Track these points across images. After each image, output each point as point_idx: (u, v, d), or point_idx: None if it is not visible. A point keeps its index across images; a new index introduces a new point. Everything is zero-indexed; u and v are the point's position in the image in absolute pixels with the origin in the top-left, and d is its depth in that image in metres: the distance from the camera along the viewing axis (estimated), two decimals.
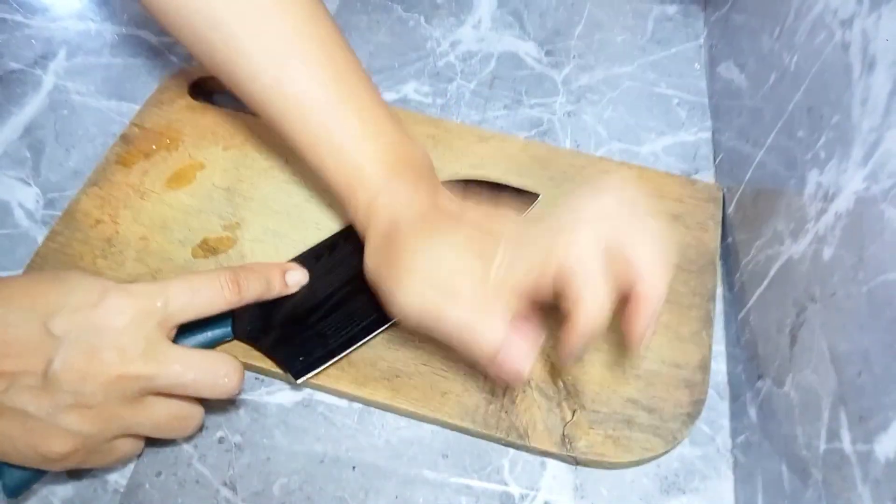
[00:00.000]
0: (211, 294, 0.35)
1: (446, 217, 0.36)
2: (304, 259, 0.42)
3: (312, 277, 0.40)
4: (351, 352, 0.39)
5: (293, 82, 0.38)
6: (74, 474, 0.36)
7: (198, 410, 0.36)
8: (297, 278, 0.39)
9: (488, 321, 0.32)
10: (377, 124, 0.39)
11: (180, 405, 0.34)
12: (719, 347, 0.42)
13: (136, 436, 0.34)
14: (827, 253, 0.31)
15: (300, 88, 0.38)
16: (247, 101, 0.41)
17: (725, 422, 0.40)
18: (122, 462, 0.35)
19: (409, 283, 0.34)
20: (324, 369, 0.38)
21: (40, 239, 0.44)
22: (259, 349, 0.39)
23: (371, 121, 0.39)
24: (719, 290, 0.43)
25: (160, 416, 0.34)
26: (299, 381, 0.38)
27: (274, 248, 0.43)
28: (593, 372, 0.39)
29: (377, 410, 0.39)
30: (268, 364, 0.38)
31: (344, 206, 0.40)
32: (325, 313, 0.40)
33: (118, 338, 0.32)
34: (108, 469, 0.36)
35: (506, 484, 0.37)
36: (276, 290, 0.38)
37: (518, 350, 0.32)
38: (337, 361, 0.38)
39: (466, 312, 0.33)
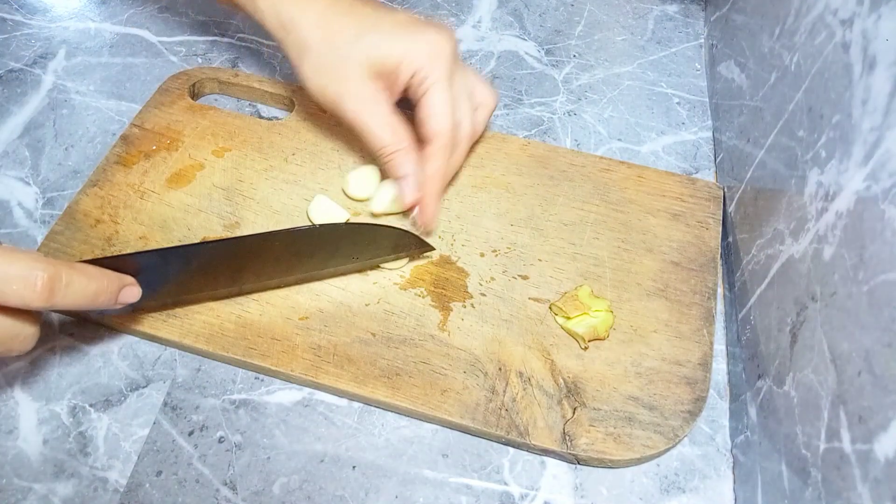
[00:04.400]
0: (21, 289, 0.30)
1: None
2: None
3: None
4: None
5: None
6: (75, 473, 0.36)
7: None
8: (132, 296, 0.36)
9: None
10: None
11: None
12: (720, 347, 0.42)
13: None
14: (827, 252, 0.31)
15: None
16: None
17: (725, 421, 0.40)
18: None
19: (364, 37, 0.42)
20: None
21: (39, 238, 0.44)
22: None
23: None
24: (720, 290, 0.43)
25: None
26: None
27: None
28: (594, 369, 0.39)
29: (377, 410, 0.39)
30: (269, 363, 0.39)
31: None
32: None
33: None
34: (109, 468, 0.36)
35: (506, 483, 0.37)
36: (103, 305, 0.34)
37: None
38: None
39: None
